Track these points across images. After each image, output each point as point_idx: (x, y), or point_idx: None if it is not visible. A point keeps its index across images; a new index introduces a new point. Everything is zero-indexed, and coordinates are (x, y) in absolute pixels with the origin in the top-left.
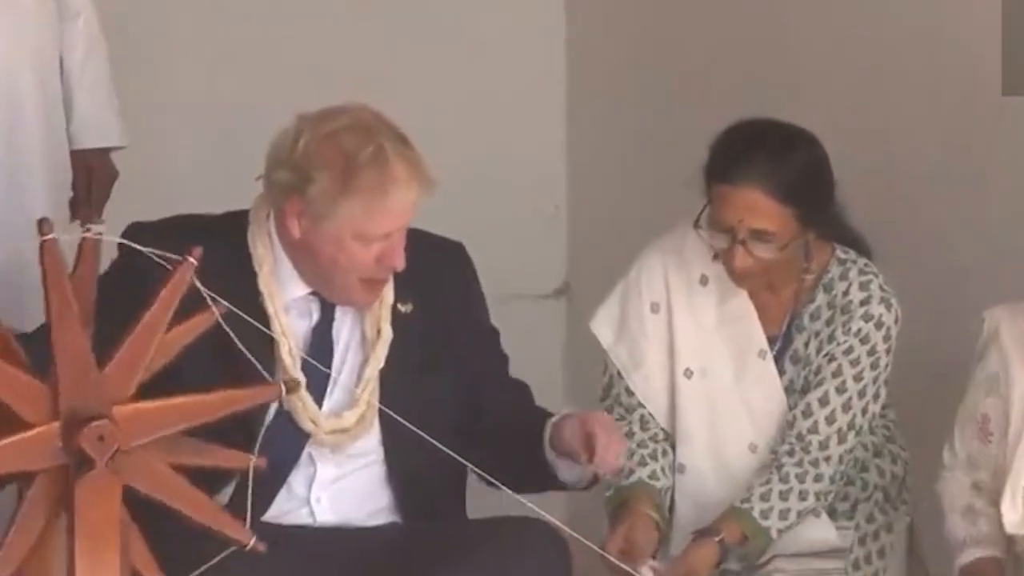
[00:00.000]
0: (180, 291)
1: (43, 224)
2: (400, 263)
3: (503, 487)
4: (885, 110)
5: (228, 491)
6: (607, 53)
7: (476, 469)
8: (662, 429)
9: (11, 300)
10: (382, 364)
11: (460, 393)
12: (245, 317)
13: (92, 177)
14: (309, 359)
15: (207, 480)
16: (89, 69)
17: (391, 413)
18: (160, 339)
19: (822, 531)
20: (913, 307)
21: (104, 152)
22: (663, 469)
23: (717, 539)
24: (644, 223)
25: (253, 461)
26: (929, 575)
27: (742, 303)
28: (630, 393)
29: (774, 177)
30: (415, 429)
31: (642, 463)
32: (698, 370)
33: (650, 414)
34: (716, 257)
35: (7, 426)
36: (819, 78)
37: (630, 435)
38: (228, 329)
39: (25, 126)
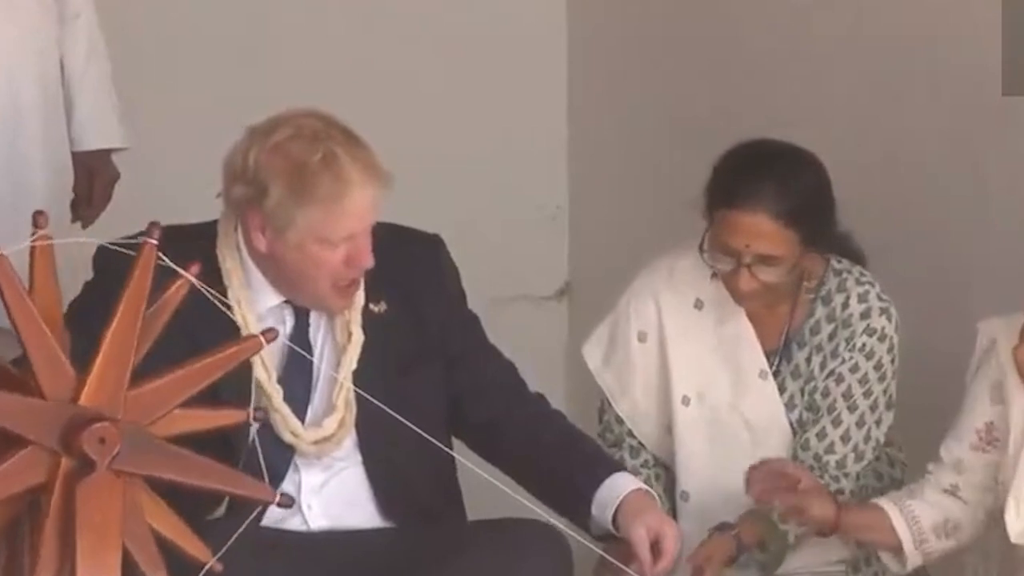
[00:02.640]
0: (148, 273)
1: None
2: (369, 262)
3: (502, 485)
4: (885, 110)
5: (221, 508)
6: (609, 52)
7: (465, 461)
8: (652, 456)
9: None
10: (354, 367)
11: (440, 385)
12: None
13: (93, 179)
14: (286, 371)
15: (199, 502)
16: (90, 70)
17: (383, 407)
18: (140, 324)
19: (828, 551)
20: (912, 307)
21: (105, 153)
22: (658, 496)
23: (733, 533)
24: (646, 224)
25: (251, 413)
26: None
27: (740, 324)
28: (620, 421)
29: (781, 203)
30: (405, 421)
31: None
32: (695, 396)
33: (639, 443)
34: (715, 275)
35: (12, 447)
36: (820, 78)
37: (620, 463)
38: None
39: (26, 128)
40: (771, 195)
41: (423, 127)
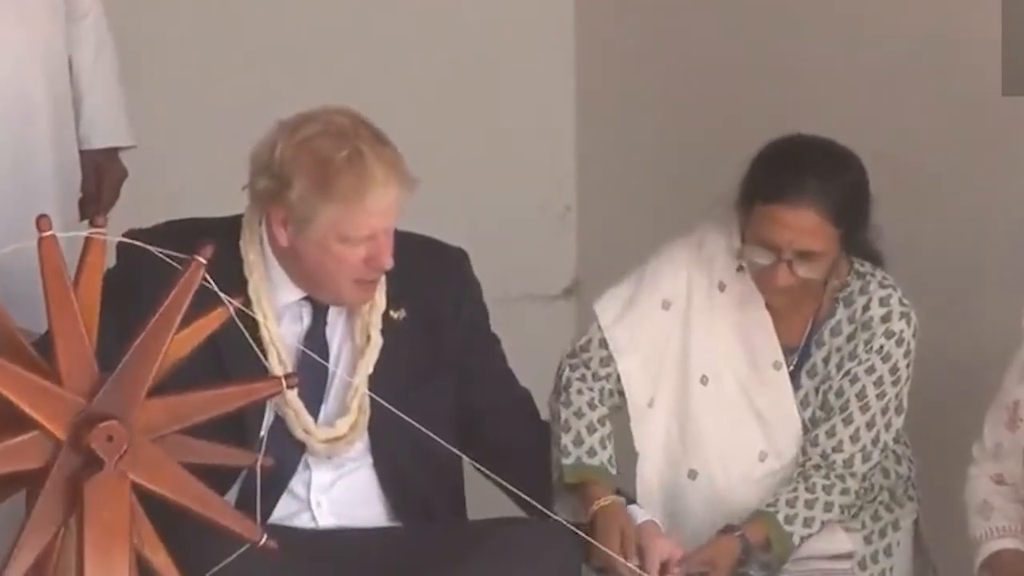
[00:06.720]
0: (191, 291)
1: (41, 221)
2: (388, 262)
3: (509, 485)
4: (886, 110)
5: (231, 498)
6: (617, 51)
7: (477, 465)
8: (616, 406)
9: (24, 300)
10: (371, 371)
11: (454, 397)
12: (252, 316)
13: (101, 177)
14: (300, 367)
15: (210, 486)
16: (98, 69)
17: (395, 411)
18: (170, 340)
19: (836, 543)
20: (913, 307)
21: (113, 152)
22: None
23: (738, 534)
24: (654, 222)
25: (259, 460)
26: (936, 571)
27: (759, 313)
28: (604, 364)
29: (829, 199)
30: (416, 424)
31: (603, 445)
32: (713, 376)
33: (612, 390)
34: (741, 269)
35: (21, 427)
36: (822, 77)
37: (591, 405)
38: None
39: (35, 126)
40: (817, 191)
41: (432, 127)
